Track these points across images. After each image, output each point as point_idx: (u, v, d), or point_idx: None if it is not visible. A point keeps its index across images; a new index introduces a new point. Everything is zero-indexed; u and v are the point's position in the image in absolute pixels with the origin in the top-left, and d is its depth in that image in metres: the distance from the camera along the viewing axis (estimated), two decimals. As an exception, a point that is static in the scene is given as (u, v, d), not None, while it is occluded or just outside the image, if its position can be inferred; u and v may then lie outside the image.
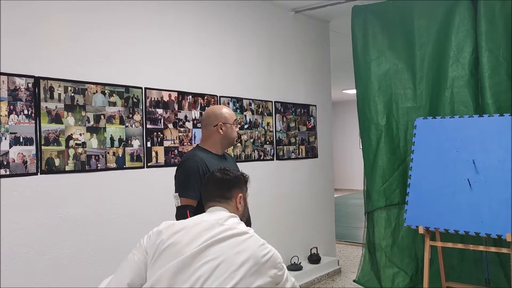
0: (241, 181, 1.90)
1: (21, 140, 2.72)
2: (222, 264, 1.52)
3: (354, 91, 4.65)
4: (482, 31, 3.73)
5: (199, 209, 2.26)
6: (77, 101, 3.01)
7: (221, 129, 2.48)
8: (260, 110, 4.45)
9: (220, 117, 2.50)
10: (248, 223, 1.87)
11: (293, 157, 4.84)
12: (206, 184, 1.90)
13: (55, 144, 2.88)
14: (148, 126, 3.43)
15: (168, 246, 1.58)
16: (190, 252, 1.54)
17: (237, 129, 2.59)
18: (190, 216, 1.92)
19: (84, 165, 3.03)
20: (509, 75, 3.66)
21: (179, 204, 2.30)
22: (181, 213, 2.26)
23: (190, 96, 3.76)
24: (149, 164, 3.42)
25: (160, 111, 3.51)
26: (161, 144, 3.50)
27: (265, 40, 4.56)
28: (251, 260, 1.55)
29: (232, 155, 4.07)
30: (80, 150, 3.01)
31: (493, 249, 3.38)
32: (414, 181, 3.65)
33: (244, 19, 4.34)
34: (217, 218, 1.70)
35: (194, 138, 3.76)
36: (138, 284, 1.57)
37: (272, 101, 4.60)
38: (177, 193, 2.32)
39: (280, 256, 1.66)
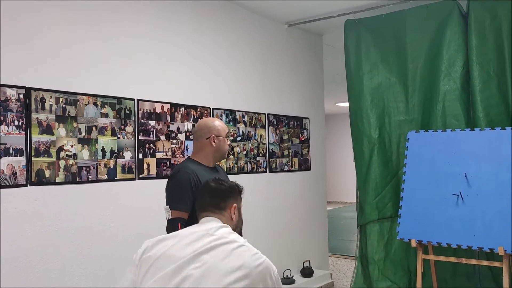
0: (236, 191, 1.90)
1: (11, 151, 2.69)
2: (209, 270, 1.50)
3: (347, 104, 4.67)
4: (473, 46, 3.78)
5: (190, 221, 2.21)
6: (69, 112, 2.99)
7: (214, 141, 2.47)
8: (253, 122, 4.45)
9: (213, 130, 2.49)
10: (240, 235, 1.84)
11: (286, 169, 4.83)
12: (200, 194, 1.89)
13: (46, 155, 2.85)
14: (140, 137, 3.41)
15: (158, 258, 1.57)
16: (179, 262, 1.53)
17: (229, 142, 2.57)
18: (181, 229, 1.90)
19: (74, 177, 3.00)
20: (500, 89, 3.70)
21: (170, 217, 2.27)
22: (172, 226, 2.23)
23: (183, 108, 3.75)
24: (140, 176, 3.39)
25: (152, 122, 3.50)
26: (153, 156, 3.49)
27: (258, 52, 4.57)
28: (243, 268, 1.51)
29: (225, 168, 4.06)
30: (71, 161, 2.98)
31: (485, 262, 3.38)
32: (406, 194, 3.65)
33: (238, 32, 4.36)
34: (208, 228, 1.69)
35: (187, 150, 3.74)
36: None
37: (265, 114, 4.61)
38: (168, 206, 2.30)
39: (275, 268, 1.61)
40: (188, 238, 1.63)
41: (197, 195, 1.91)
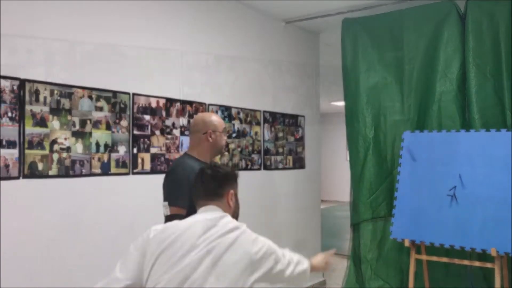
0: (232, 177, 1.87)
1: (4, 143, 2.66)
2: (216, 266, 1.56)
3: (342, 103, 4.67)
4: (470, 48, 3.78)
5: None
6: (63, 105, 2.96)
7: (211, 137, 2.47)
8: (248, 119, 4.44)
9: (209, 125, 2.49)
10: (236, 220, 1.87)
11: (280, 167, 4.82)
12: (196, 181, 1.84)
13: (39, 148, 2.83)
14: (135, 132, 3.39)
15: (163, 251, 1.58)
16: (190, 260, 1.56)
17: (225, 138, 2.58)
18: None
19: (68, 170, 2.97)
20: (496, 91, 3.71)
21: (169, 213, 2.26)
22: None
23: (178, 103, 3.73)
24: (134, 170, 3.37)
25: (147, 117, 3.47)
26: (147, 150, 3.46)
27: (255, 49, 4.56)
28: (245, 258, 1.59)
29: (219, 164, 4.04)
30: (64, 154, 2.96)
31: (477, 263, 3.39)
32: (400, 194, 3.66)
33: (235, 28, 4.34)
34: (210, 218, 1.69)
35: (182, 145, 3.72)
36: (137, 285, 1.59)
37: (260, 111, 4.59)
38: (167, 202, 2.28)
39: (274, 246, 1.72)
40: (192, 230, 1.64)
41: (194, 183, 1.85)
